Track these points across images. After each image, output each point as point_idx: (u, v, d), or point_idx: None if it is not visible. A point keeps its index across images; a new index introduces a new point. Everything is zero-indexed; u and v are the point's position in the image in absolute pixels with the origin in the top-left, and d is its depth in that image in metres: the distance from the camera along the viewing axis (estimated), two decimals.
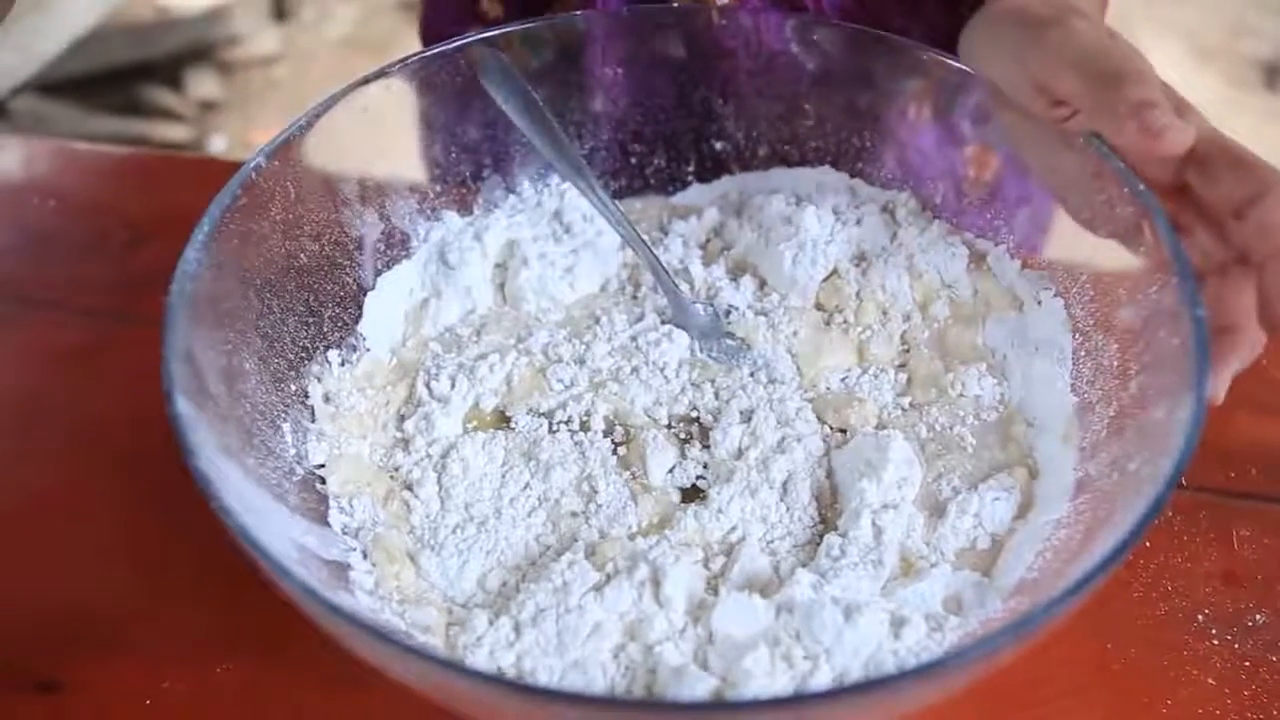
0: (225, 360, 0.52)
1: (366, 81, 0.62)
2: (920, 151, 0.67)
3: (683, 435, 0.60)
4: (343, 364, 0.62)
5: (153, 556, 0.63)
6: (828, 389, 0.62)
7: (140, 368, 0.54)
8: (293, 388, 0.58)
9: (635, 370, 0.62)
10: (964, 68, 0.61)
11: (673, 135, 0.71)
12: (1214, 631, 0.59)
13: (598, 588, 0.52)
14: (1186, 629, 0.59)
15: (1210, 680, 0.57)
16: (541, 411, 0.61)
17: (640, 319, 0.65)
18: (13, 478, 0.68)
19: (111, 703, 0.58)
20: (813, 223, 0.64)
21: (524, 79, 0.64)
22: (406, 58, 0.64)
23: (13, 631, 0.60)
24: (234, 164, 0.58)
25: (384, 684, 0.45)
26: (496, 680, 0.45)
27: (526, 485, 0.57)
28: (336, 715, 0.56)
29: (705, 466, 0.59)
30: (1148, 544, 0.61)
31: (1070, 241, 0.59)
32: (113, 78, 2.54)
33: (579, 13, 0.69)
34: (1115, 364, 0.55)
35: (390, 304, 0.65)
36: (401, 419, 0.61)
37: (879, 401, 0.61)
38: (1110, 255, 0.57)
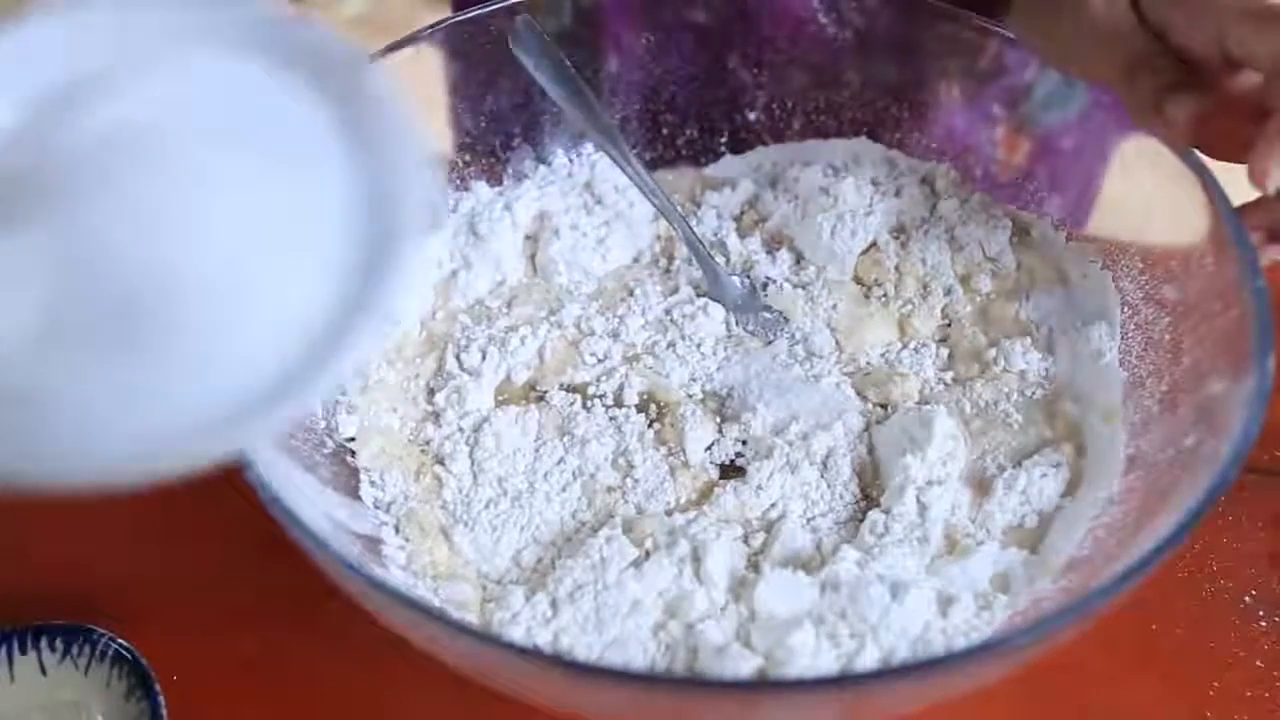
0: None
1: (395, 48, 0.60)
2: (964, 122, 0.65)
3: (720, 411, 0.59)
4: None
5: (178, 529, 0.62)
6: (868, 363, 0.60)
7: None
8: None
9: (671, 345, 0.61)
10: (1010, 35, 0.59)
11: (705, 105, 0.70)
12: (1261, 613, 0.58)
13: (636, 564, 0.51)
14: (1233, 610, 0.58)
15: (1258, 662, 0.56)
16: (575, 386, 0.60)
17: (674, 292, 0.63)
18: None
19: None
20: (851, 193, 0.63)
21: (557, 46, 0.63)
22: (436, 23, 0.62)
23: (40, 602, 0.59)
24: None
25: (410, 655, 0.45)
26: (551, 660, 0.43)
27: (561, 460, 0.56)
28: (361, 687, 0.56)
29: (743, 443, 0.58)
30: (1196, 525, 0.60)
31: (1119, 213, 0.58)
32: None
33: None
34: (1167, 338, 0.54)
35: (419, 275, 0.64)
36: (431, 392, 0.60)
37: (921, 376, 0.59)
38: (1162, 226, 0.56)
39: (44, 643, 0.53)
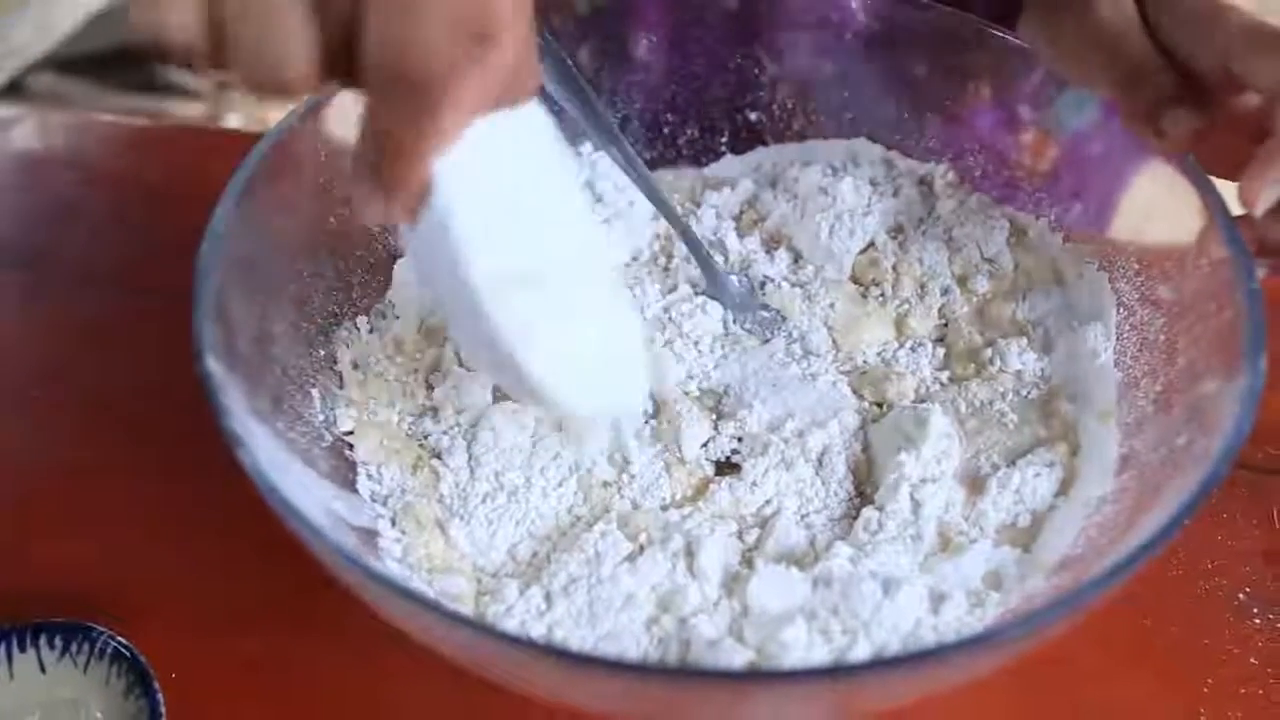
0: (255, 322, 0.52)
1: None
2: (966, 127, 0.65)
3: (716, 408, 0.59)
4: (371, 331, 0.61)
5: (177, 528, 0.62)
6: (864, 362, 0.61)
7: (163, 338, 0.54)
8: (322, 353, 0.57)
9: (669, 342, 0.61)
10: (1023, 45, 0.59)
11: (706, 105, 0.70)
12: (1255, 610, 0.58)
13: (630, 558, 0.51)
14: (1227, 608, 0.58)
15: (1252, 659, 0.56)
16: None
17: (673, 290, 0.64)
18: (36, 449, 0.67)
19: None
20: (850, 193, 0.63)
21: (559, 45, 0.63)
22: None
23: (39, 599, 0.59)
24: (254, 135, 0.57)
25: (408, 648, 0.45)
26: (546, 650, 0.43)
27: (557, 455, 0.56)
28: (360, 681, 0.56)
29: (739, 440, 0.58)
30: (1186, 522, 0.60)
31: (1117, 215, 0.58)
32: (129, 55, 2.53)
33: None
34: (1162, 339, 0.54)
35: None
36: (430, 387, 0.60)
37: (917, 375, 0.60)
38: (1158, 228, 0.56)
39: (43, 640, 0.54)
